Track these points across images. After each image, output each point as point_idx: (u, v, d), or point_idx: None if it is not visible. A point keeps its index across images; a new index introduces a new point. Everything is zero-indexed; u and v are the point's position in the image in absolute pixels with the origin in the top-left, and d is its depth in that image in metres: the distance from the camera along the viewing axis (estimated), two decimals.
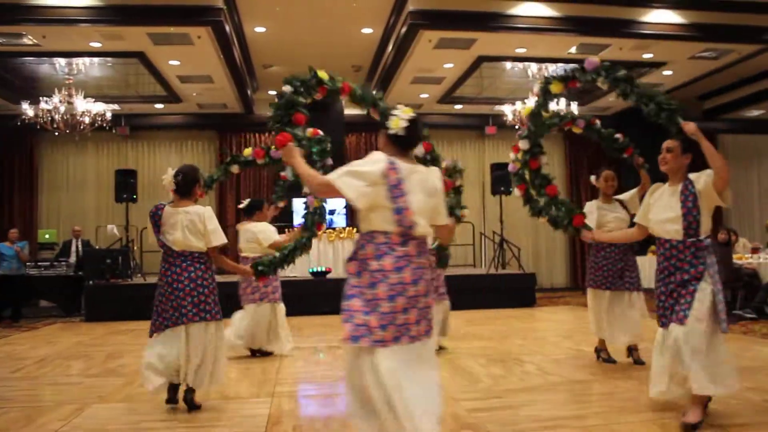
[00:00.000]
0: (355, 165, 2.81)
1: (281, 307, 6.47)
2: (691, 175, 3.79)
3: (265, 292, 6.34)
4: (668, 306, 3.75)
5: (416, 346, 2.81)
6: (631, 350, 5.61)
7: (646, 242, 11.36)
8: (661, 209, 3.87)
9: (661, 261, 3.82)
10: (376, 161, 2.82)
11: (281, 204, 7.06)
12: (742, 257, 9.84)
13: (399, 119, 2.94)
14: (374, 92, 4.47)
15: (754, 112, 15.44)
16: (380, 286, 2.75)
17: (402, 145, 2.94)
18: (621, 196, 5.88)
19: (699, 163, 3.85)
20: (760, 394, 4.37)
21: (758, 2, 9.51)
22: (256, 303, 6.33)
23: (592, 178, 6.01)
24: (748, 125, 16.20)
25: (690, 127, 3.91)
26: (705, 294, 3.60)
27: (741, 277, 9.25)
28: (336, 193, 2.77)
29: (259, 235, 6.40)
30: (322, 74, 4.40)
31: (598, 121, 6.04)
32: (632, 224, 4.65)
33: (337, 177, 2.77)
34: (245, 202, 6.80)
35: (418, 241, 2.86)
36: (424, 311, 2.84)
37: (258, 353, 6.43)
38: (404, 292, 2.76)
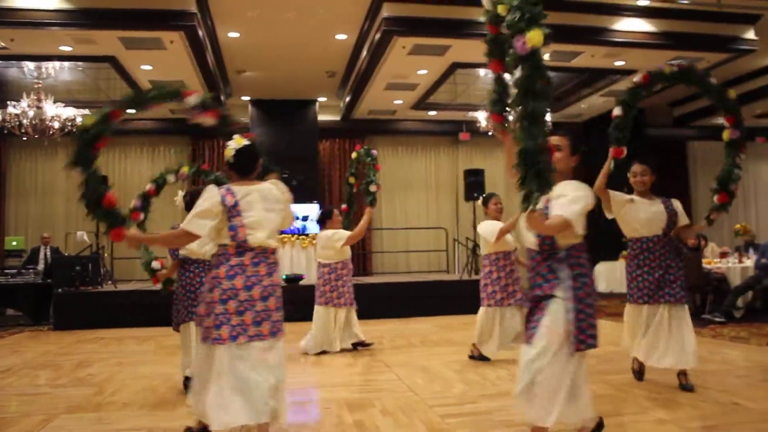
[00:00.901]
0: (198, 206, 3.29)
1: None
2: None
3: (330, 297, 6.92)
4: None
5: (256, 344, 3.25)
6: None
7: (620, 246, 11.49)
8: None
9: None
10: (211, 195, 3.33)
11: None
12: (711, 262, 9.97)
13: (229, 149, 3.54)
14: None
15: (723, 120, 15.68)
16: (215, 291, 3.25)
17: (237, 171, 3.50)
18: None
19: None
20: (728, 396, 4.42)
21: (727, 12, 9.68)
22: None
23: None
24: (717, 132, 16.33)
25: None
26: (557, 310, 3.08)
27: (710, 282, 9.38)
28: (194, 237, 3.31)
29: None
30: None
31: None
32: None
33: (187, 224, 3.28)
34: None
35: (256, 252, 3.35)
36: (262, 314, 3.29)
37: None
38: (236, 297, 3.24)
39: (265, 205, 3.44)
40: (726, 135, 5.21)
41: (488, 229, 6.08)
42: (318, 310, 6.98)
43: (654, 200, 4.84)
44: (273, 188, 3.55)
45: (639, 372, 5.06)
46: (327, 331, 6.93)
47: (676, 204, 4.87)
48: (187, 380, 4.77)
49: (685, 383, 4.68)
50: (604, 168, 4.78)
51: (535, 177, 2.58)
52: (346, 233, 6.89)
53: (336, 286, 6.92)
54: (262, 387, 3.20)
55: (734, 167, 5.04)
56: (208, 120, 4.19)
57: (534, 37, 2.72)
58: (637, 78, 4.96)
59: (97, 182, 3.76)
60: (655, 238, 4.78)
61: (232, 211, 3.32)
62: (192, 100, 4.07)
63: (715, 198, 5.00)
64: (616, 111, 4.98)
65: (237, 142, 3.57)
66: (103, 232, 3.70)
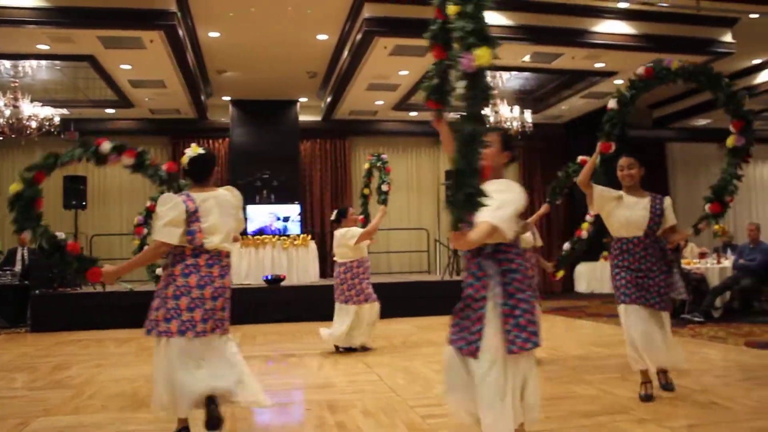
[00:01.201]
0: (162, 217, 3.56)
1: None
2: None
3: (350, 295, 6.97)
4: None
5: (202, 340, 3.60)
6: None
7: (600, 247, 11.57)
8: None
9: None
10: (176, 204, 3.60)
11: None
12: (691, 262, 10.07)
13: (184, 158, 3.83)
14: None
15: (701, 121, 15.88)
16: (170, 287, 3.60)
17: (192, 178, 3.82)
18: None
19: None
20: (707, 395, 4.46)
21: (705, 15, 9.77)
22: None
23: None
24: (696, 134, 16.64)
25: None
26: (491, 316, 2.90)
27: (689, 282, 9.46)
28: (168, 246, 3.60)
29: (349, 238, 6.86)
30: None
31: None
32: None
33: (160, 234, 3.56)
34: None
35: (211, 254, 3.68)
36: (210, 312, 3.61)
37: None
38: (188, 294, 3.57)
39: (221, 210, 3.74)
40: (730, 141, 5.01)
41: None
42: (340, 308, 7.02)
43: (643, 197, 4.53)
44: (228, 194, 3.83)
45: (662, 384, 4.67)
46: (351, 328, 6.93)
47: (666, 203, 4.52)
48: None
49: (665, 382, 4.61)
50: (590, 162, 4.63)
51: (465, 200, 2.45)
52: (359, 230, 6.94)
53: (353, 285, 6.95)
54: (203, 377, 3.56)
55: (734, 177, 4.83)
56: (127, 160, 4.71)
57: (482, 56, 2.51)
58: (640, 70, 4.83)
59: (51, 241, 4.16)
60: (635, 240, 4.47)
61: (191, 217, 3.62)
62: (105, 147, 4.60)
63: (707, 207, 4.79)
64: (611, 104, 4.92)
65: (193, 151, 3.83)
66: (78, 274, 4.12)
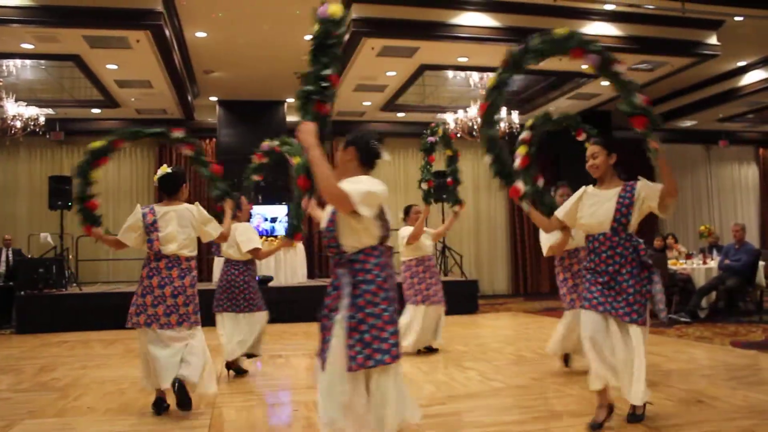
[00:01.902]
0: (126, 222, 4.53)
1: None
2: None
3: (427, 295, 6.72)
4: None
5: (166, 332, 4.37)
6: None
7: None
8: None
9: None
10: (135, 214, 4.52)
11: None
12: (677, 263, 10.13)
13: (156, 176, 4.60)
14: None
15: (687, 123, 15.98)
16: (138, 287, 4.49)
17: (162, 191, 4.59)
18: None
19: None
20: (693, 395, 4.48)
21: (690, 18, 9.83)
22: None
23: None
24: (682, 135, 16.76)
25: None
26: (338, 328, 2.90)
27: (676, 282, 9.53)
28: (124, 244, 4.58)
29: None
30: None
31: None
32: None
33: (120, 234, 4.55)
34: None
35: (170, 258, 4.46)
36: (171, 308, 4.39)
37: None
38: (152, 292, 4.39)
39: (180, 222, 4.50)
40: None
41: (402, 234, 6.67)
42: (409, 309, 6.78)
43: (611, 188, 3.89)
44: (189, 209, 4.57)
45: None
46: (423, 329, 6.69)
47: (639, 186, 3.79)
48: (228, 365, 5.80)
49: (632, 413, 3.90)
50: (533, 216, 4.18)
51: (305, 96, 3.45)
52: (410, 230, 6.72)
53: (412, 284, 6.78)
54: (169, 362, 4.31)
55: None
56: (187, 152, 5.27)
57: (334, 8, 3.23)
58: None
59: (86, 188, 4.89)
60: (600, 237, 3.79)
61: (150, 227, 4.45)
62: (177, 134, 5.25)
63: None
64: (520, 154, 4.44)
65: (162, 171, 4.60)
66: (78, 223, 4.96)
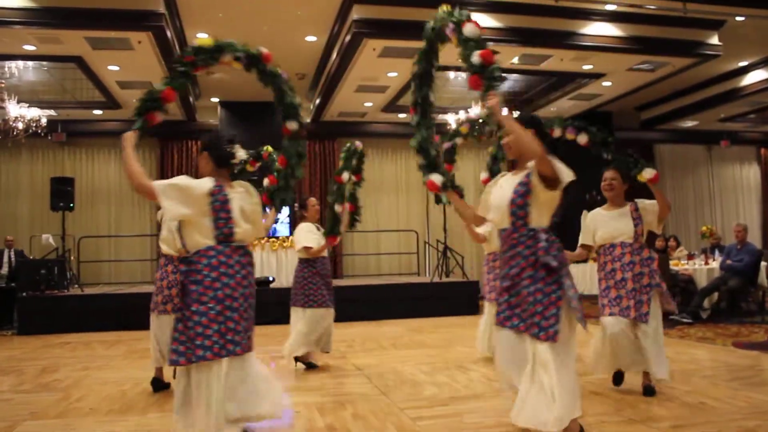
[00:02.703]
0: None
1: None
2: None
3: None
4: None
5: (164, 318, 5.08)
6: None
7: None
8: None
9: None
10: None
11: None
12: (679, 263, 10.12)
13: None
14: None
15: (689, 123, 15.97)
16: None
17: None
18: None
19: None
20: (695, 396, 4.48)
21: (692, 18, 9.83)
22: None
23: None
24: (683, 135, 16.75)
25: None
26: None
27: (678, 283, 9.52)
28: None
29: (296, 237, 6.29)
30: None
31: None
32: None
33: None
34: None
35: (167, 256, 5.19)
36: (167, 297, 5.12)
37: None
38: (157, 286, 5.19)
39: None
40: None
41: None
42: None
43: (622, 208, 4.63)
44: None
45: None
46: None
47: (642, 207, 4.61)
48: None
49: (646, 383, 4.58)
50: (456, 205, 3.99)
51: None
52: (307, 228, 6.31)
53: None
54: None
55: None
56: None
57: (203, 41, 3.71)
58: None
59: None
60: (503, 233, 3.31)
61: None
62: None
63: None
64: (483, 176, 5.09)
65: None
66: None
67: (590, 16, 10.06)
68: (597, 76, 11.82)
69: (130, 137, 3.40)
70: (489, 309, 6.24)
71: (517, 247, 3.07)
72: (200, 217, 3.14)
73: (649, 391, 4.52)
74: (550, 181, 2.99)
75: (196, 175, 3.30)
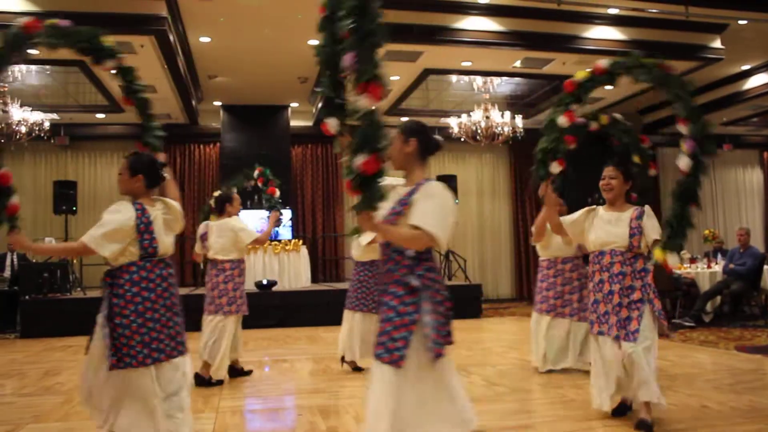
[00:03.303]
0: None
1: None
2: None
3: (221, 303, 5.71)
4: None
5: None
6: None
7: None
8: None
9: None
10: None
11: None
12: (681, 267, 10.11)
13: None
14: None
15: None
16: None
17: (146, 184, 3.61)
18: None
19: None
20: (697, 399, 4.47)
21: (694, 21, 9.83)
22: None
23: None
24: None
25: None
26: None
27: (680, 286, 9.51)
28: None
29: (240, 233, 5.72)
30: None
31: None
32: None
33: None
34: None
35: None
36: None
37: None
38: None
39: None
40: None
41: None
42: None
43: (623, 212, 4.12)
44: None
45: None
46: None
47: (647, 219, 4.04)
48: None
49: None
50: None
51: None
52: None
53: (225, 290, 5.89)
54: None
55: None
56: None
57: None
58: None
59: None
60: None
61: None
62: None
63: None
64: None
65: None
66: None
67: (593, 19, 10.06)
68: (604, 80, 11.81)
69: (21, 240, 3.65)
70: (537, 319, 5.88)
71: (387, 263, 2.86)
72: (129, 244, 3.35)
73: (643, 426, 3.77)
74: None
75: (153, 186, 3.58)
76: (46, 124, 11.29)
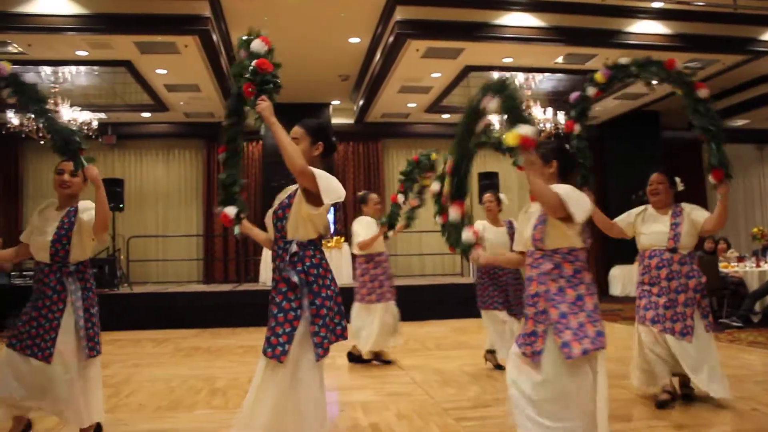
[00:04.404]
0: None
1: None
2: None
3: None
4: None
5: None
6: None
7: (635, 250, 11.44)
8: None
9: None
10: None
11: None
12: (728, 266, 9.90)
13: None
14: None
15: (739, 122, 15.58)
16: None
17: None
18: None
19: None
20: (747, 402, 4.37)
21: (743, 14, 9.61)
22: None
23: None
24: (733, 135, 16.29)
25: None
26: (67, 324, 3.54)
27: (727, 286, 9.31)
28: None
29: (354, 236, 6.35)
30: None
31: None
32: None
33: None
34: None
35: None
36: None
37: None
38: None
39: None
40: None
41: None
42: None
43: (666, 214, 4.49)
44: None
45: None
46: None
47: (686, 212, 4.48)
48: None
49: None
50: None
51: None
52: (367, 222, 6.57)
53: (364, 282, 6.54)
54: None
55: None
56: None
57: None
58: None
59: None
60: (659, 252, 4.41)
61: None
62: None
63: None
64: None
65: None
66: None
67: (636, 13, 9.90)
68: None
69: (268, 107, 3.17)
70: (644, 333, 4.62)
71: (276, 260, 2.99)
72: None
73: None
74: (314, 197, 2.90)
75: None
76: (95, 124, 11.55)
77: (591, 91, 4.88)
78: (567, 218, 2.94)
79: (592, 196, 4.35)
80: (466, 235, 3.56)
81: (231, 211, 3.59)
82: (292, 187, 3.11)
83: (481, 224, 5.85)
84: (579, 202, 2.95)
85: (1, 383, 3.45)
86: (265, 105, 3.06)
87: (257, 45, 3.32)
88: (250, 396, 2.83)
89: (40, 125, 10.80)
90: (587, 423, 2.82)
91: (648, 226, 4.49)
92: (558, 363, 2.88)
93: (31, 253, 3.68)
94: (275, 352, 2.78)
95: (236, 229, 3.53)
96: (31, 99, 3.55)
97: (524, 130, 2.91)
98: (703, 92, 4.56)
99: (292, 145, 3.00)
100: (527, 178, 2.98)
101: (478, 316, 6.08)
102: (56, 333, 3.46)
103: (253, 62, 3.22)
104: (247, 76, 3.19)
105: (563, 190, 2.96)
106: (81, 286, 3.61)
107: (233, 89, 3.56)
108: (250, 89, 3.17)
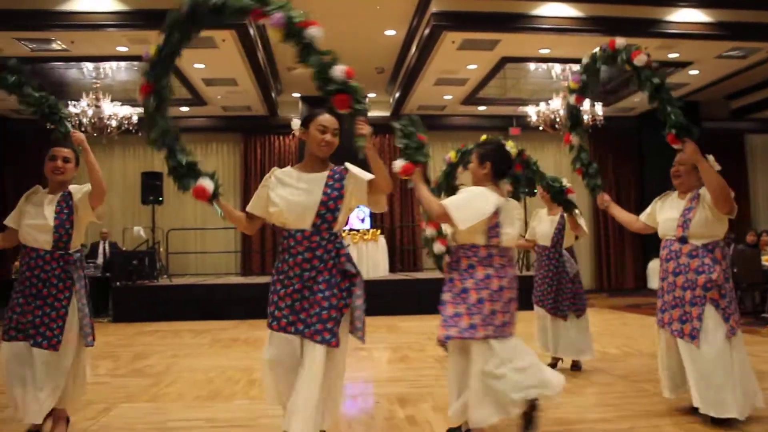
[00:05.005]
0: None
1: None
2: None
3: None
4: None
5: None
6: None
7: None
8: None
9: None
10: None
11: None
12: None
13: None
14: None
15: None
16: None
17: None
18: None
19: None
20: None
21: None
22: None
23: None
24: None
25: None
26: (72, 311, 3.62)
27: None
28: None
29: None
30: None
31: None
32: None
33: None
34: None
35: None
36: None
37: None
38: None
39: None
40: None
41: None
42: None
43: (684, 200, 3.96)
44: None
45: None
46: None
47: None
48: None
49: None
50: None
51: None
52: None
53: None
54: None
55: None
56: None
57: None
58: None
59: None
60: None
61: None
62: None
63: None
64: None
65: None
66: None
67: (676, 2, 9.70)
68: (684, 64, 11.41)
69: (419, 175, 3.51)
70: (663, 337, 4.21)
71: (316, 251, 3.00)
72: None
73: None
74: (373, 200, 3.28)
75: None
76: (135, 118, 11.75)
77: (572, 99, 4.85)
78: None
79: (605, 197, 4.73)
80: (437, 247, 4.02)
81: (208, 184, 3.38)
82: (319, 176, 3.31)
83: (539, 214, 6.23)
84: (467, 208, 3.24)
85: (16, 374, 3.44)
86: (413, 172, 3.53)
87: (314, 30, 3.34)
88: (304, 382, 2.81)
89: (84, 120, 11.10)
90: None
91: (663, 212, 4.07)
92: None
93: (19, 239, 3.65)
94: (328, 336, 2.86)
95: (218, 209, 3.37)
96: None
97: (397, 163, 3.54)
98: (640, 59, 4.46)
99: (429, 199, 3.42)
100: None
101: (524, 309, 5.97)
102: (63, 321, 3.51)
103: (340, 68, 3.24)
104: (337, 86, 3.19)
105: (459, 196, 3.37)
106: (81, 275, 3.70)
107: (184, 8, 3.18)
108: (345, 101, 3.22)
